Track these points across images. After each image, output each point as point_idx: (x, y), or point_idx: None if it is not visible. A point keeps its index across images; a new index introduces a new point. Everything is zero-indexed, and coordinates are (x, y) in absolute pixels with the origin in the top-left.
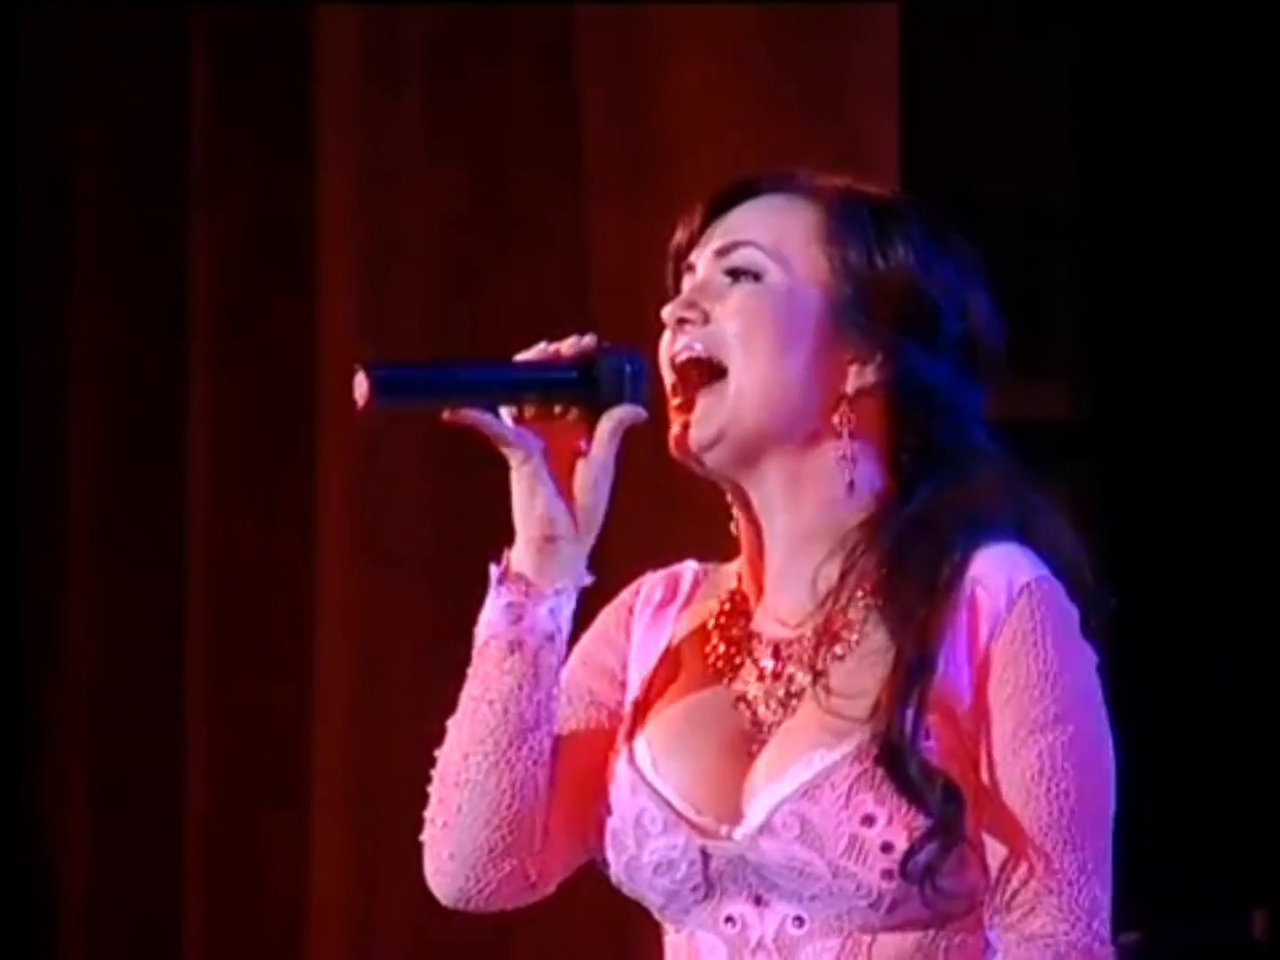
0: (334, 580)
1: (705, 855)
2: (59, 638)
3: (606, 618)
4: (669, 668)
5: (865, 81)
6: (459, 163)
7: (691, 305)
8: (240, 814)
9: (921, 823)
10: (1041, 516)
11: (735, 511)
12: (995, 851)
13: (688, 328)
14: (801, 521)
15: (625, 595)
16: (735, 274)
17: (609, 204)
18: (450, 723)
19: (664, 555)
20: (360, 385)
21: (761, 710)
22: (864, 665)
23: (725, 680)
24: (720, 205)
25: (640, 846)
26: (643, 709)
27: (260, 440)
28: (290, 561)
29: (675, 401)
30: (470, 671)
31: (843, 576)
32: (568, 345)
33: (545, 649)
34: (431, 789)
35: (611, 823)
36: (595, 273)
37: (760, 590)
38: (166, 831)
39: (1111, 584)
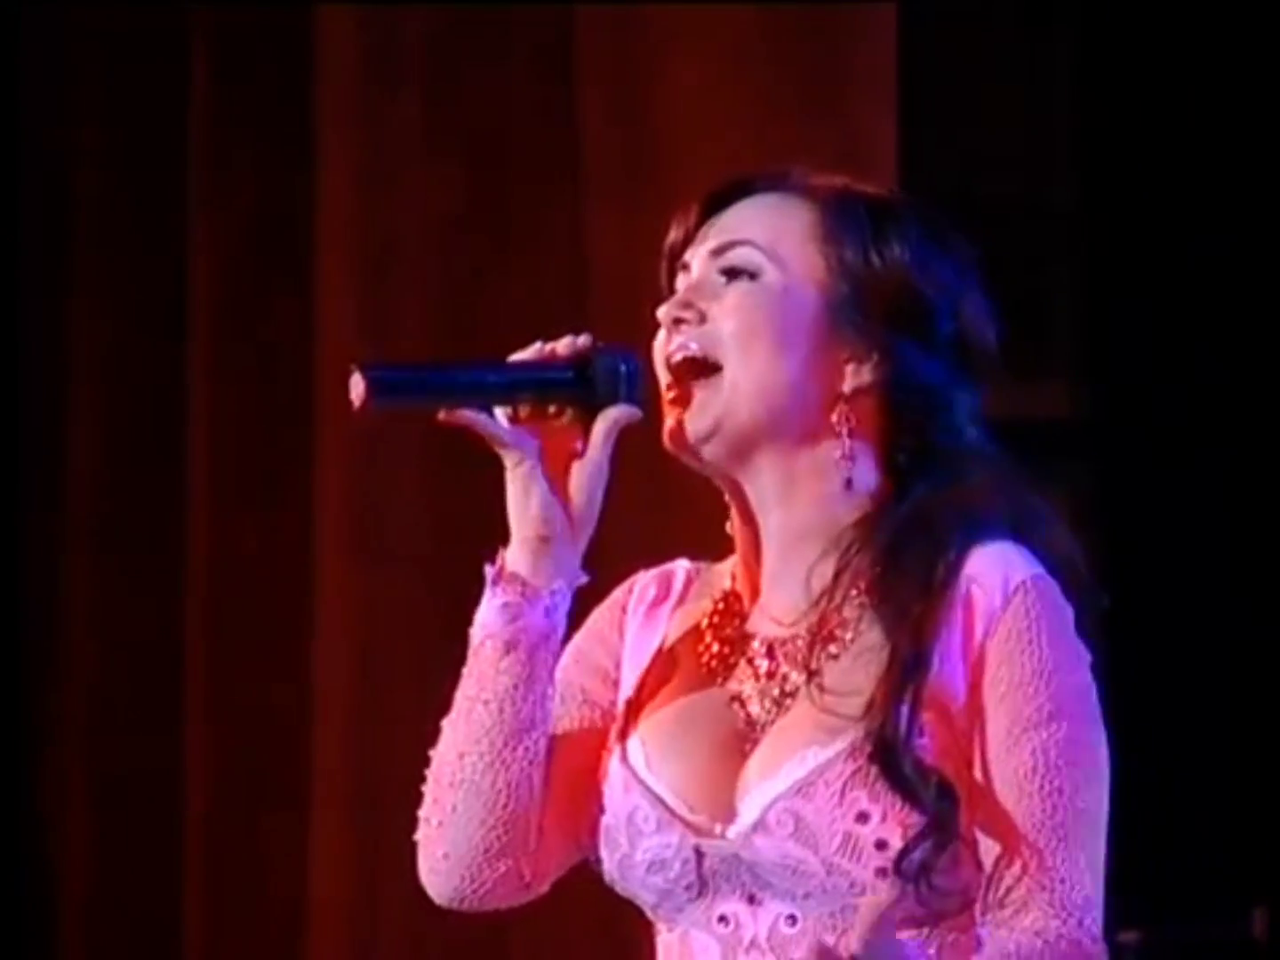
0: (333, 580)
1: (699, 854)
2: (59, 638)
3: (599, 616)
4: (662, 667)
5: (864, 81)
6: (458, 163)
7: (688, 305)
8: (240, 814)
9: (916, 820)
10: (1037, 515)
11: (731, 509)
12: (988, 849)
13: (683, 327)
14: (796, 519)
15: (618, 594)
16: (731, 273)
17: (608, 204)
18: (445, 722)
19: (657, 554)
20: (356, 385)
21: (755, 709)
22: (858, 663)
23: (719, 680)
24: (715, 204)
25: (633, 845)
26: (636, 708)
27: (260, 440)
28: (289, 561)
29: (670, 395)
30: (465, 671)
31: (837, 575)
32: (563, 345)
33: (541, 649)
34: (426, 788)
35: (605, 821)
36: (594, 273)
37: (754, 589)
38: (166, 831)
39: (1110, 583)
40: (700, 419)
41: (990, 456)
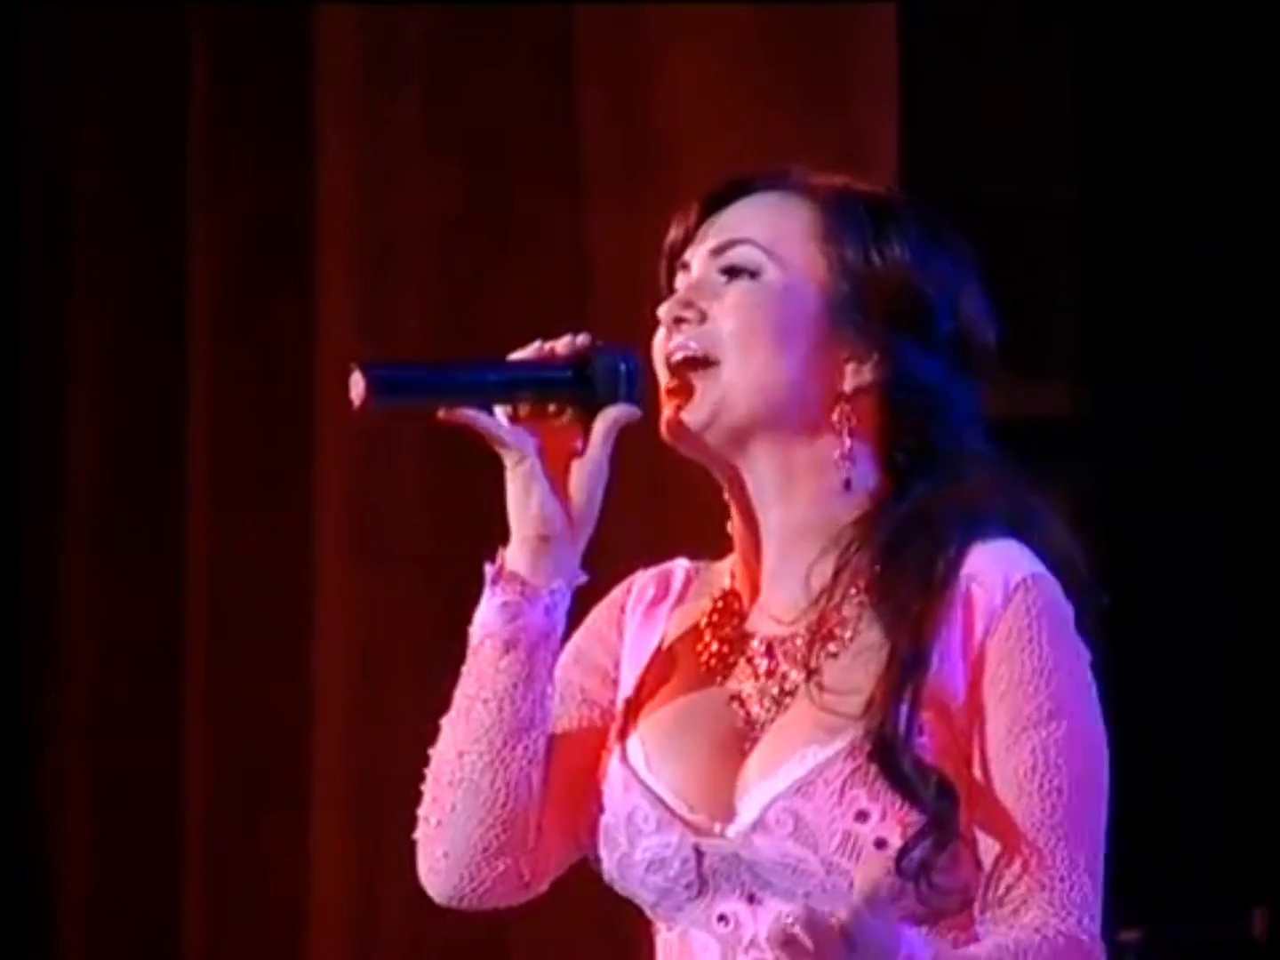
0: (333, 579)
1: (698, 853)
2: (59, 638)
3: (598, 615)
4: (662, 666)
5: (864, 81)
6: (458, 162)
7: (688, 304)
8: (240, 814)
9: (915, 819)
10: (1036, 514)
11: (731, 508)
12: (988, 847)
13: (684, 326)
14: (795, 516)
15: (617, 593)
16: (731, 272)
17: (607, 204)
18: (445, 721)
19: (657, 554)
20: (356, 384)
21: (754, 708)
22: (858, 662)
23: (719, 679)
24: (715, 203)
25: (633, 844)
26: (635, 707)
27: (260, 440)
28: (289, 561)
29: (668, 386)
30: (465, 670)
31: (837, 573)
32: (563, 344)
33: (541, 648)
34: (425, 787)
35: (604, 820)
36: (594, 273)
37: (754, 588)
38: (166, 831)
39: (1110, 583)
40: (698, 410)
41: (990, 456)
